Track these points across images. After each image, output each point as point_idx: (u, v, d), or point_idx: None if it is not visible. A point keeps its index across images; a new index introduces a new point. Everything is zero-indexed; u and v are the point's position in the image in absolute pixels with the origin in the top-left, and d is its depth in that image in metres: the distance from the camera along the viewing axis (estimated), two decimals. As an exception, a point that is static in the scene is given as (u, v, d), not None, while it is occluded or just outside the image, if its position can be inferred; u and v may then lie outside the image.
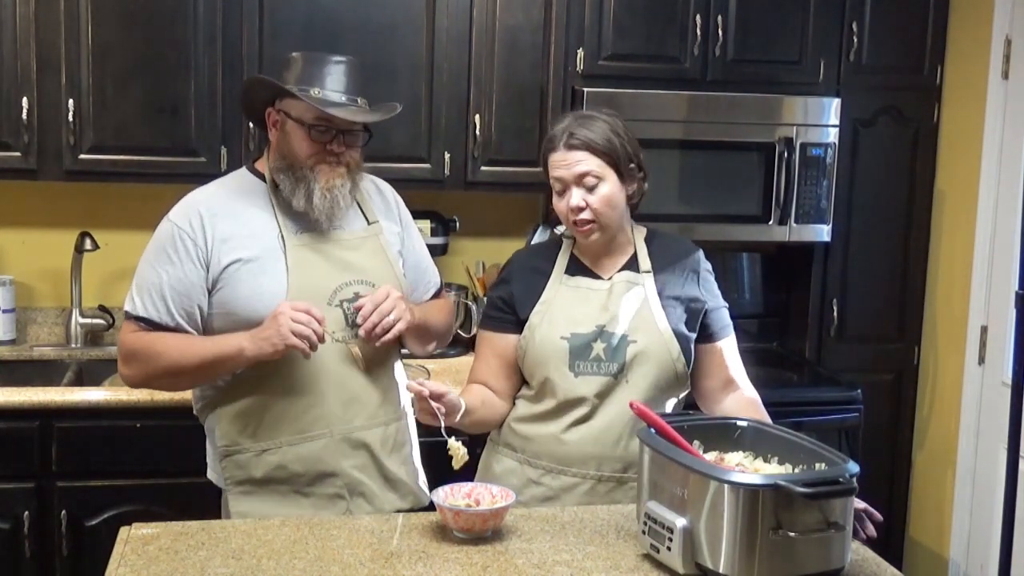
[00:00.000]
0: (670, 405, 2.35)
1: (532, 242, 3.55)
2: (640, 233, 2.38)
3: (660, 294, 2.31)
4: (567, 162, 2.24)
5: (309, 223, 2.26)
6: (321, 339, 2.13)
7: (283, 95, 2.24)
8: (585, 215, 2.25)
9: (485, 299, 2.49)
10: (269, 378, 2.23)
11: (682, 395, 2.37)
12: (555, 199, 2.30)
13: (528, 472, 2.32)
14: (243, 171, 2.37)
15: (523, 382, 2.37)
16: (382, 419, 2.34)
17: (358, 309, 2.22)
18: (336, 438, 2.28)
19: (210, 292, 2.23)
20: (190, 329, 2.23)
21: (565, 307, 2.30)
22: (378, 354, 2.31)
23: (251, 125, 3.15)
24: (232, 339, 2.17)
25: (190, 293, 2.22)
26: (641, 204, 2.37)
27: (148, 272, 2.24)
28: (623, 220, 2.32)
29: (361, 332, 2.22)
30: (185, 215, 2.24)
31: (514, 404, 2.38)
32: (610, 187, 2.25)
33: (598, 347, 2.26)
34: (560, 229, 3.37)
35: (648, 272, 2.32)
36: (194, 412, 2.37)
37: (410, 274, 2.43)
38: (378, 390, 2.33)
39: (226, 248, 2.21)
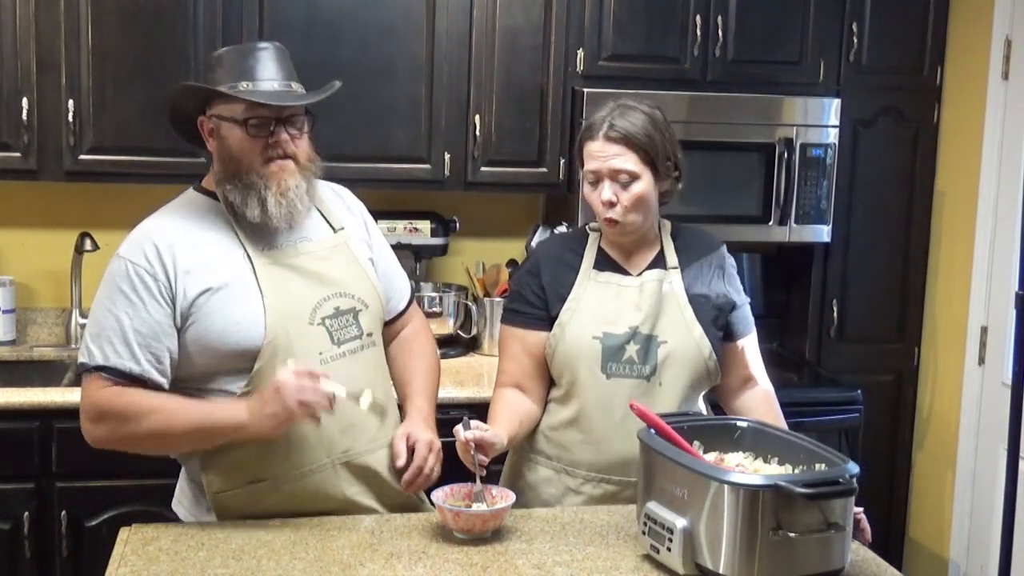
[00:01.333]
0: (700, 399, 2.34)
1: (532, 243, 3.55)
2: (666, 228, 2.35)
3: (688, 291, 2.28)
4: (604, 154, 2.19)
5: (274, 238, 2.09)
6: (331, 403, 1.95)
7: (212, 97, 2.04)
8: (615, 212, 2.20)
9: (510, 290, 2.40)
10: None
11: (709, 387, 2.35)
12: (587, 189, 2.25)
13: (567, 481, 2.28)
14: (191, 193, 2.17)
15: (552, 382, 2.33)
16: (383, 440, 2.18)
17: (401, 471, 2.13)
18: (337, 466, 2.11)
19: (180, 330, 2.02)
20: (159, 377, 2.01)
21: (595, 305, 2.26)
22: (376, 373, 2.21)
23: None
24: (231, 410, 1.99)
25: (157, 335, 2.00)
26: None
27: (105, 317, 2.01)
28: (653, 217, 2.29)
29: (402, 486, 2.14)
30: (139, 249, 2.02)
31: (549, 408, 2.33)
32: (644, 186, 2.20)
33: (631, 349, 2.22)
34: (560, 229, 3.38)
35: (675, 268, 2.29)
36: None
37: (381, 282, 2.26)
38: (377, 410, 2.18)
39: (191, 280, 2.01)
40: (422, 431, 2.16)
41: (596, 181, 2.22)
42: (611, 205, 2.20)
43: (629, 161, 2.19)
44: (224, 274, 2.03)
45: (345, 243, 2.20)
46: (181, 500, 2.20)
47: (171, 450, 2.12)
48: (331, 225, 2.20)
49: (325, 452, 2.09)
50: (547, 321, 2.28)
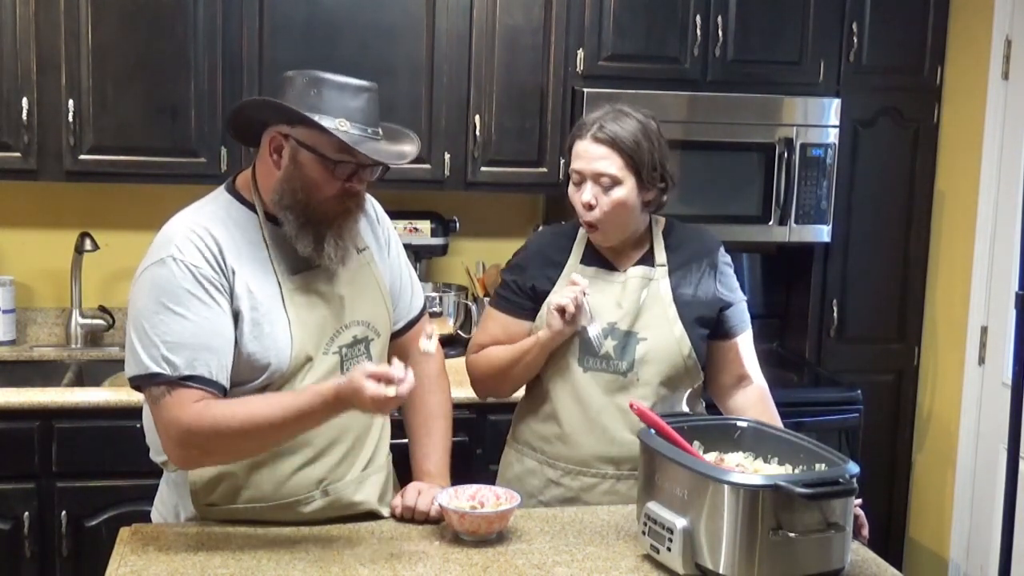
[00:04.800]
0: (683, 398, 2.33)
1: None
2: (659, 225, 2.35)
3: (675, 290, 2.28)
4: (589, 156, 2.21)
5: (302, 260, 2.01)
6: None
7: (298, 122, 1.92)
8: (593, 215, 2.22)
9: (501, 280, 2.43)
10: None
11: (696, 385, 2.35)
12: (571, 188, 2.26)
13: (548, 473, 2.31)
14: (225, 196, 2.04)
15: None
16: (373, 468, 2.14)
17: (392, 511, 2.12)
18: (330, 497, 2.07)
19: None
20: (228, 385, 1.94)
21: None
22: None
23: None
24: (318, 390, 1.89)
25: (232, 339, 1.92)
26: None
27: (180, 323, 1.88)
28: (637, 223, 2.29)
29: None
30: (197, 252, 1.92)
31: (529, 399, 2.37)
32: (625, 192, 2.21)
33: (608, 344, 2.24)
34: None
35: (663, 266, 2.30)
36: (156, 462, 2.09)
37: (393, 294, 2.22)
38: (375, 439, 2.14)
39: (236, 288, 1.94)
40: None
41: (580, 182, 2.24)
42: (590, 208, 2.22)
43: (613, 165, 2.20)
44: (258, 293, 1.97)
45: (368, 264, 2.15)
46: (161, 503, 2.17)
47: (268, 442, 1.96)
48: (355, 247, 2.10)
49: (318, 482, 2.06)
50: (530, 311, 2.31)
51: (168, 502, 2.13)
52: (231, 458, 1.99)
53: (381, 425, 2.18)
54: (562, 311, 2.18)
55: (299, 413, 1.89)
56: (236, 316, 1.94)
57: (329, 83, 1.93)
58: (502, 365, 2.31)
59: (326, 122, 1.90)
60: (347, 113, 1.92)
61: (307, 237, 1.96)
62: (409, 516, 2.10)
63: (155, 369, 1.89)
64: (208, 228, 1.96)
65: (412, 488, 2.14)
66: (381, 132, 2.00)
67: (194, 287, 1.90)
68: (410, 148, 2.05)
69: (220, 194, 2.06)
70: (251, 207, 2.02)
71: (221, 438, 1.90)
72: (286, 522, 2.05)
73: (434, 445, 2.24)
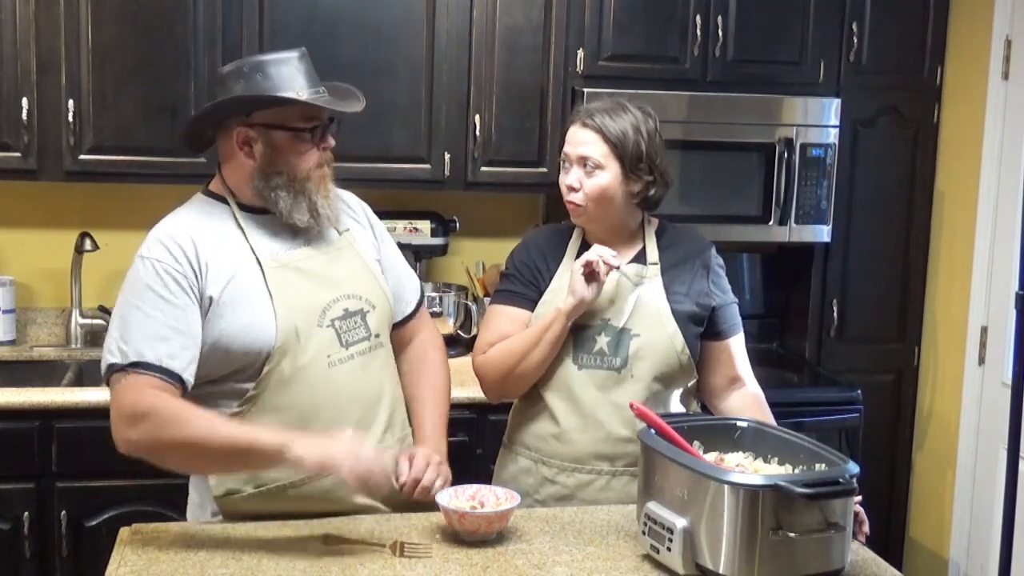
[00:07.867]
0: (676, 396, 2.34)
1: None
2: (652, 226, 2.38)
3: (667, 288, 2.30)
4: (576, 140, 2.27)
5: (282, 243, 2.09)
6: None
7: (265, 105, 2.02)
8: (575, 197, 2.27)
9: (501, 276, 2.45)
10: (270, 413, 2.03)
11: (690, 384, 2.36)
12: (561, 173, 2.31)
13: (543, 471, 2.31)
14: (200, 196, 2.15)
15: None
16: (391, 440, 2.17)
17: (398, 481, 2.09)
18: None
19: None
20: (189, 377, 1.98)
21: None
22: (382, 375, 2.19)
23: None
24: (274, 433, 1.93)
25: (192, 330, 1.98)
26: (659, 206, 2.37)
27: (136, 316, 1.96)
28: (624, 214, 2.31)
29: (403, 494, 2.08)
30: (163, 248, 2.00)
31: (524, 400, 2.37)
32: (608, 178, 2.24)
33: (602, 341, 2.26)
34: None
35: (655, 264, 2.31)
36: None
37: (389, 282, 2.26)
38: (388, 406, 2.18)
39: (210, 278, 2.01)
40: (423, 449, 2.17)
41: (568, 166, 2.29)
42: (572, 191, 2.27)
43: (597, 151, 2.24)
44: (236, 276, 2.03)
45: (351, 244, 2.20)
46: (191, 508, 2.21)
47: (201, 465, 2.04)
48: (335, 228, 2.18)
49: None
50: (537, 302, 2.32)
51: (195, 501, 2.18)
52: (172, 452, 1.96)
53: (391, 395, 2.20)
54: (587, 265, 2.18)
55: (251, 437, 1.93)
56: (209, 305, 2.00)
57: (269, 63, 2.04)
58: (520, 352, 2.25)
59: (288, 95, 2.01)
60: (297, 83, 2.03)
61: (302, 207, 2.07)
62: (411, 491, 2.06)
63: (110, 360, 1.96)
64: (185, 224, 2.05)
65: (421, 457, 2.10)
66: (323, 89, 2.09)
67: (154, 282, 1.98)
68: (358, 99, 2.15)
69: (197, 195, 2.17)
70: (223, 201, 2.11)
71: (166, 424, 1.91)
72: (297, 514, 2.06)
73: (428, 411, 2.27)
